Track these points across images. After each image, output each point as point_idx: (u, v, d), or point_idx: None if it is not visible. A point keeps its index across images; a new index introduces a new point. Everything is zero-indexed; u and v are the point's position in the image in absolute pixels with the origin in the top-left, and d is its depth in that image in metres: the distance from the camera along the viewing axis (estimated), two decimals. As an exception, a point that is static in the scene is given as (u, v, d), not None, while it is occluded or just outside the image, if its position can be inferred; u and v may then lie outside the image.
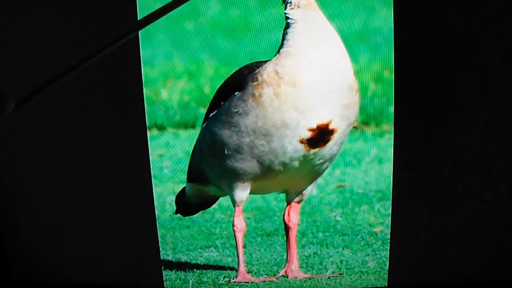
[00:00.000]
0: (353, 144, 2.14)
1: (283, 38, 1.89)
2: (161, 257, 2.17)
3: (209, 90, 2.09)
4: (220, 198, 2.16)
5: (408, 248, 2.10)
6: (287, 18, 1.89)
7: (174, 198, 2.18)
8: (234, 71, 1.96)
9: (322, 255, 2.16)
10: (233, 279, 2.07)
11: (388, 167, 2.06)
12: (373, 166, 2.17)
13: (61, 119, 2.08)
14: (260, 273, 2.10)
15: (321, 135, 1.90)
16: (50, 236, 2.18)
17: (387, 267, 2.10)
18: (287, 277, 2.07)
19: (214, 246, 2.22)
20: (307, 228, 2.21)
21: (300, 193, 2.04)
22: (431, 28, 1.95)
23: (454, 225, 2.08)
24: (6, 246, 2.21)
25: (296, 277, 2.07)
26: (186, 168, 2.12)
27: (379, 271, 2.10)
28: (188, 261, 2.18)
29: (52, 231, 2.18)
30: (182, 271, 2.13)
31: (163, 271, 2.14)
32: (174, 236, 2.24)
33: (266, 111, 1.88)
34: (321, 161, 1.94)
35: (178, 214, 2.20)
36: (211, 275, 2.10)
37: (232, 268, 2.12)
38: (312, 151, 1.91)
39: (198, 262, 2.17)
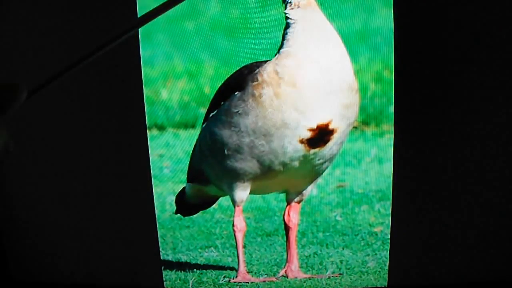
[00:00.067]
0: (353, 144, 2.14)
1: (283, 38, 1.89)
2: (161, 257, 2.17)
3: (209, 90, 2.09)
4: (220, 198, 2.16)
5: (408, 248, 2.10)
6: (287, 18, 1.89)
7: (174, 198, 2.18)
8: (234, 71, 1.96)
9: (322, 255, 2.16)
10: (233, 279, 2.07)
11: (388, 167, 2.06)
12: (373, 166, 2.17)
13: (61, 119, 2.08)
14: (260, 273, 2.10)
15: (321, 135, 1.90)
16: (50, 236, 2.18)
17: (387, 267, 2.10)
18: (287, 277, 2.07)
19: (214, 246, 2.22)
20: (307, 228, 2.21)
21: (300, 193, 2.04)
22: (431, 28, 1.95)
23: (454, 225, 2.08)
24: (6, 246, 2.21)
25: (296, 277, 2.07)
26: (186, 168, 2.12)
27: (379, 271, 2.10)
28: (188, 261, 2.18)
29: (52, 231, 2.18)
30: (182, 271, 2.13)
31: (163, 271, 2.14)
32: (174, 236, 2.23)
33: (266, 111, 1.88)
34: (321, 161, 1.94)
35: (178, 214, 2.20)
36: (211, 275, 2.10)
37: (232, 268, 2.12)
38: (312, 151, 1.91)
39: (198, 262, 2.17)
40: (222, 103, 1.95)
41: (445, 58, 1.97)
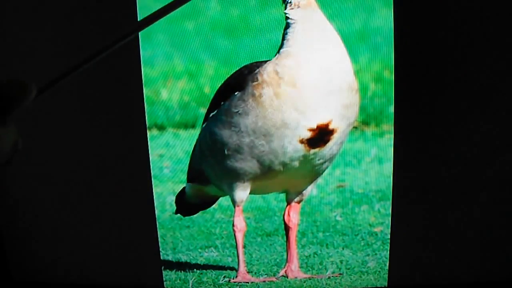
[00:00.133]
0: (353, 144, 2.14)
1: (283, 38, 1.89)
2: (161, 257, 2.17)
3: (209, 90, 2.09)
4: (220, 198, 2.16)
5: (408, 248, 2.10)
6: (287, 18, 1.89)
7: (174, 198, 2.18)
8: (234, 71, 1.96)
9: (322, 255, 2.16)
10: (233, 279, 2.07)
11: (388, 167, 2.06)
12: (373, 166, 2.17)
13: (61, 119, 2.08)
14: (260, 273, 2.10)
15: (321, 135, 1.90)
16: (50, 236, 2.18)
17: (387, 267, 2.10)
18: (287, 277, 2.07)
19: (214, 246, 2.22)
20: (307, 228, 2.21)
21: (300, 193, 2.04)
22: (431, 28, 1.95)
23: (454, 225, 2.08)
24: (6, 246, 2.21)
25: (296, 277, 2.07)
26: (186, 168, 2.12)
27: (379, 271, 2.10)
28: (188, 261, 2.18)
29: (52, 231, 2.18)
30: (182, 271, 2.13)
31: (163, 271, 2.14)
32: (174, 236, 2.23)
33: (266, 111, 1.88)
34: (321, 161, 1.94)
35: (178, 214, 2.20)
36: (211, 275, 2.10)
37: (232, 268, 2.12)
38: (312, 151, 1.91)
39: (198, 262, 2.17)
40: (222, 103, 1.94)
41: (445, 58, 1.97)
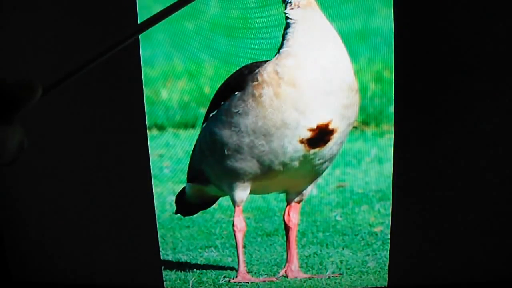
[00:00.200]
0: (353, 144, 2.14)
1: (283, 38, 1.89)
2: (161, 257, 2.17)
3: (209, 90, 2.09)
4: (220, 198, 2.16)
5: (408, 248, 2.10)
6: (287, 18, 1.89)
7: (174, 198, 2.18)
8: (234, 71, 1.96)
9: (322, 255, 2.16)
10: (233, 279, 2.07)
11: (388, 167, 2.06)
12: (373, 166, 2.17)
13: (61, 119, 2.08)
14: (260, 273, 2.10)
15: (321, 135, 1.90)
16: (50, 236, 2.18)
17: (387, 267, 2.10)
18: (287, 277, 2.07)
19: (214, 246, 2.22)
20: (307, 228, 2.21)
21: (300, 193, 2.04)
22: (431, 28, 1.95)
23: (454, 225, 2.08)
24: (6, 246, 2.21)
25: (296, 277, 2.07)
26: (186, 168, 2.12)
27: (379, 271, 2.11)
28: (188, 261, 2.18)
29: (52, 231, 2.18)
30: (182, 271, 2.13)
31: (163, 271, 2.14)
32: (174, 236, 2.23)
33: (266, 111, 1.88)
34: (321, 161, 1.94)
35: (178, 214, 2.20)
36: (211, 275, 2.10)
37: (232, 268, 2.12)
38: (312, 151, 1.91)
39: (198, 262, 2.17)
40: (222, 103, 1.95)
41: (445, 58, 1.97)
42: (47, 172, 2.13)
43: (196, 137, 2.07)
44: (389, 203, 2.10)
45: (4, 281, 2.23)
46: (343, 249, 2.18)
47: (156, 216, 2.14)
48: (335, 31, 1.90)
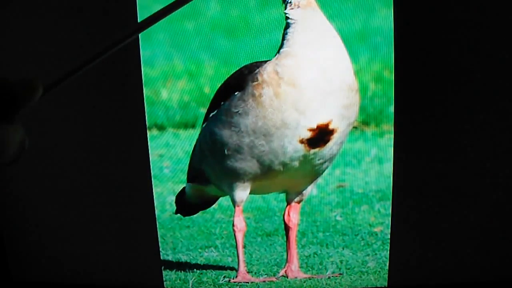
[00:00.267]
0: (353, 144, 2.14)
1: (283, 38, 1.89)
2: (161, 257, 2.17)
3: (209, 90, 2.09)
4: (220, 198, 2.16)
5: (408, 248, 2.10)
6: (287, 18, 1.89)
7: (174, 198, 2.18)
8: (234, 71, 1.96)
9: (322, 255, 2.16)
10: (233, 279, 2.07)
11: (388, 167, 2.06)
12: (373, 166, 2.17)
13: (61, 118, 2.08)
14: (260, 273, 2.10)
15: (321, 135, 1.90)
16: (50, 236, 2.18)
17: (387, 267, 2.10)
18: (287, 277, 2.07)
19: (214, 246, 2.22)
20: (307, 228, 2.21)
21: (300, 193, 2.04)
22: (431, 28, 1.95)
23: (454, 225, 2.08)
24: (6, 246, 2.21)
25: (296, 277, 2.07)
26: (186, 168, 2.12)
27: (379, 271, 2.10)
28: (188, 261, 2.18)
29: (52, 231, 2.18)
30: (182, 271, 2.13)
31: (163, 271, 2.14)
32: (174, 236, 2.23)
33: (266, 111, 1.88)
34: (321, 161, 1.94)
35: (178, 214, 2.20)
36: (211, 275, 2.10)
37: (232, 268, 2.12)
38: (312, 151, 1.91)
39: (198, 262, 2.17)
40: (222, 103, 1.95)
41: (445, 58, 1.97)
42: (47, 172, 2.13)
43: (196, 137, 2.07)
44: (389, 203, 2.10)
45: (4, 281, 2.23)
46: (343, 249, 2.18)
47: (156, 216, 2.14)
48: (335, 31, 1.90)
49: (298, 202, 2.06)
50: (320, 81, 1.87)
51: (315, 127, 1.88)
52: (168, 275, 2.13)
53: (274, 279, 2.07)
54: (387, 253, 2.11)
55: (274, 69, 1.87)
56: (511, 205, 2.07)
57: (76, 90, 2.02)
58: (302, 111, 1.87)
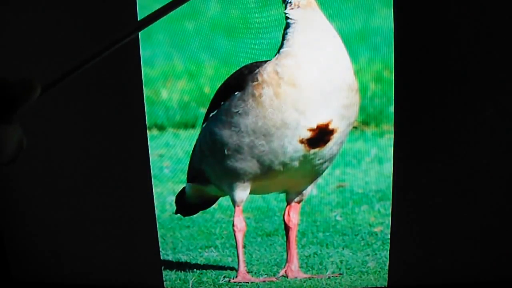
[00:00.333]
0: (353, 144, 2.14)
1: (283, 38, 1.89)
2: (161, 257, 2.17)
3: (209, 90, 2.09)
4: (220, 198, 2.16)
5: (408, 248, 2.10)
6: (287, 18, 1.89)
7: (174, 198, 2.18)
8: (234, 71, 1.96)
9: (322, 255, 2.16)
10: (233, 279, 2.07)
11: (388, 167, 2.06)
12: (373, 166, 2.17)
13: (61, 118, 2.08)
14: (260, 273, 2.10)
15: (321, 135, 1.90)
16: (50, 236, 2.18)
17: (387, 267, 2.10)
18: (287, 277, 2.07)
19: (214, 246, 2.22)
20: (307, 228, 2.21)
21: (300, 193, 2.04)
22: (431, 28, 1.95)
23: (454, 225, 2.08)
24: (6, 246, 2.21)
25: (296, 277, 2.07)
26: (186, 168, 2.12)
27: (379, 271, 2.10)
28: (188, 261, 2.18)
29: (52, 231, 2.18)
30: (182, 271, 2.13)
31: (163, 271, 2.14)
32: (174, 236, 2.23)
33: (266, 111, 1.88)
34: (321, 161, 1.94)
35: (178, 214, 2.20)
36: (211, 275, 2.10)
37: (232, 268, 2.12)
38: (312, 151, 1.91)
39: (198, 262, 2.17)
40: (222, 103, 1.95)
41: (445, 58, 1.97)
42: (47, 172, 2.13)
43: (196, 137, 2.07)
44: (389, 203, 2.10)
45: (4, 281, 2.23)
46: (343, 249, 2.18)
47: (156, 216, 2.14)
48: (335, 31, 1.90)
49: (298, 202, 2.06)
50: (320, 81, 1.87)
51: (315, 127, 1.88)
52: (168, 275, 2.13)
53: (274, 279, 2.07)
54: (387, 253, 2.11)
55: (274, 69, 1.87)
56: (511, 205, 2.07)
57: (76, 90, 2.02)
58: (302, 111, 1.87)
